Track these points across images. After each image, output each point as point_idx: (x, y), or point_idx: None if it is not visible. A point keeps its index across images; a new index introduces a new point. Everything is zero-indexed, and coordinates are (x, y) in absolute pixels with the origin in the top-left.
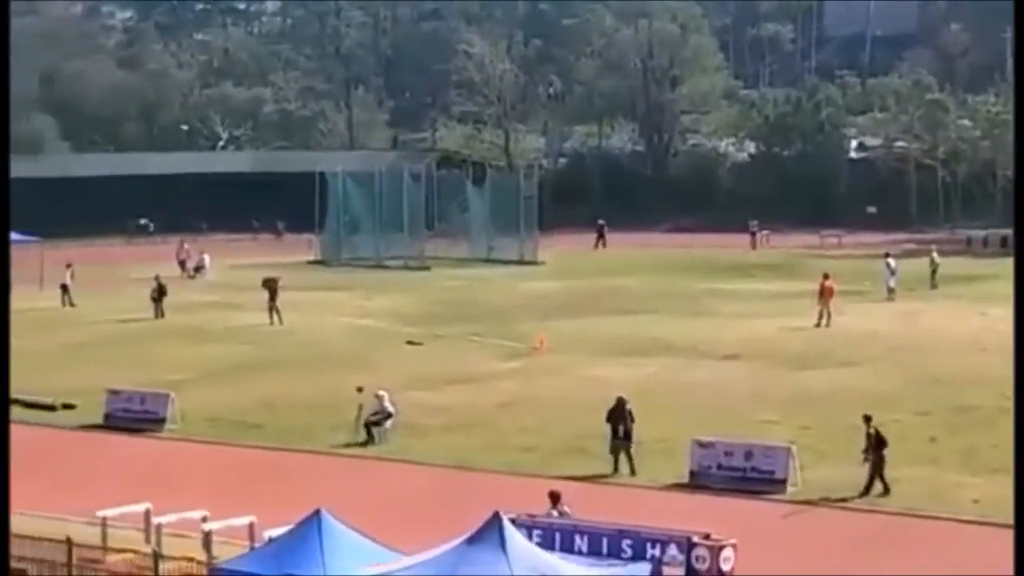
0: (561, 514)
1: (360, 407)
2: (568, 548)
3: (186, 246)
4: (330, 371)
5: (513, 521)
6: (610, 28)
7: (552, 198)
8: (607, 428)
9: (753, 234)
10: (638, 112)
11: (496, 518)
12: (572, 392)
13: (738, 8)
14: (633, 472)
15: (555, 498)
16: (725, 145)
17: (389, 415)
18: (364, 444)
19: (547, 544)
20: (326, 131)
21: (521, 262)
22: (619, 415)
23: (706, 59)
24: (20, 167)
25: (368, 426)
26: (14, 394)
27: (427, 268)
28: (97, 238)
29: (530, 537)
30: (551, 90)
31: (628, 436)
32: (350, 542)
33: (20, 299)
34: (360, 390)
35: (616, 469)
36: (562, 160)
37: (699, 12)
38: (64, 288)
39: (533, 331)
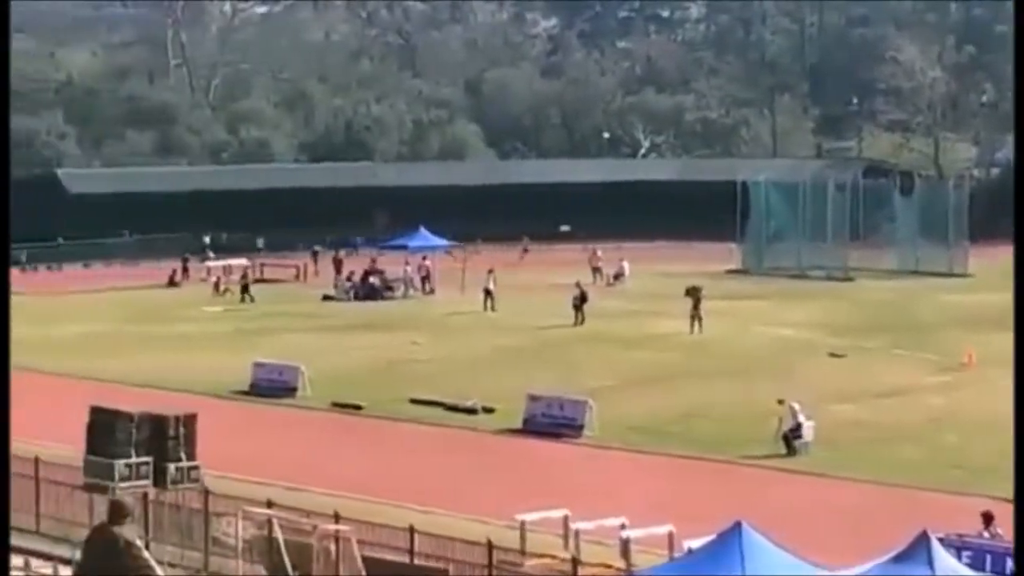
0: (993, 536)
1: (780, 419)
2: (999, 571)
3: (599, 253)
4: (750, 381)
5: (941, 540)
6: None
7: (983, 209)
8: None
9: None
10: None
11: (924, 537)
12: (1004, 409)
13: None
14: None
15: (988, 519)
16: None
17: (800, 425)
18: (784, 456)
19: (977, 566)
20: (748, 139)
21: (950, 274)
22: None
23: None
24: (444, 173)
25: (787, 438)
26: (437, 397)
27: (851, 279)
28: (519, 244)
29: (959, 558)
30: (984, 98)
31: None
32: (771, 556)
33: (443, 304)
34: (781, 402)
35: None
36: (994, 170)
37: None
38: (487, 293)
39: (962, 345)
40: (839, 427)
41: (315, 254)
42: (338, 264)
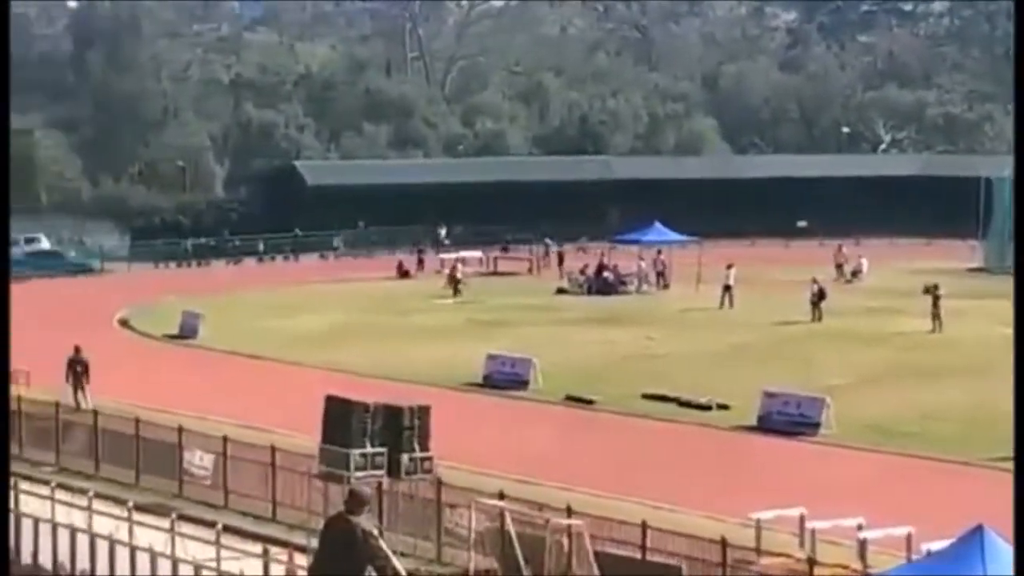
0: None
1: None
2: None
3: (844, 250)
4: (991, 382)
5: None
6: None
7: None
8: None
9: None
10: None
11: None
12: None
13: None
14: None
15: None
16: None
17: None
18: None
19: None
20: (992, 135)
21: None
22: None
23: None
24: (680, 168)
25: None
26: (671, 393)
27: None
28: (754, 239)
29: None
30: None
31: None
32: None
33: (677, 299)
34: None
35: None
36: None
37: None
38: (727, 289)
39: None
40: None
41: (547, 247)
42: (561, 258)
